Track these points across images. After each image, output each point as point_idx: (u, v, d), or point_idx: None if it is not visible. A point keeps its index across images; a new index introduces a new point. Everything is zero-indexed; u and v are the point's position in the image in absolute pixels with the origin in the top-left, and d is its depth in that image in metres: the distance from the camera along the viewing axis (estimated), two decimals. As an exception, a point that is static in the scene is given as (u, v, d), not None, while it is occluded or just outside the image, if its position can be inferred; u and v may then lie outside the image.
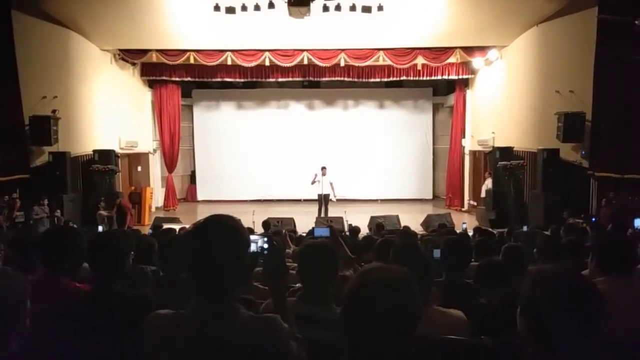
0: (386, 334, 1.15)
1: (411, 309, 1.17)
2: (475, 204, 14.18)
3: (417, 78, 14.09)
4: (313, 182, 12.46)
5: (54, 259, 2.33)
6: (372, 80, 14.37)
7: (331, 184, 12.46)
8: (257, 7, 9.35)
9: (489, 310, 2.38)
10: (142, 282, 3.01)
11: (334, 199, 12.59)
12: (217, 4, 9.43)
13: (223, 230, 1.41)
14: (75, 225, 9.05)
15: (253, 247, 1.63)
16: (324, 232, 4.72)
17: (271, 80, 14.45)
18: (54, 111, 9.94)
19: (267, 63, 13.16)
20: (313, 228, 7.05)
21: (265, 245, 1.72)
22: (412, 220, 11.36)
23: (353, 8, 9.43)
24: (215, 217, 1.46)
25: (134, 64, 13.81)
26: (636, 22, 7.25)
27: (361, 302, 1.18)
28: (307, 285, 2.12)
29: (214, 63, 13.10)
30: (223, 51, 12.84)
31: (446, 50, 12.89)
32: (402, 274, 1.22)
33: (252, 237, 1.58)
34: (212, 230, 1.42)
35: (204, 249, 1.38)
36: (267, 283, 1.67)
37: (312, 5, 9.28)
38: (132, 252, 2.36)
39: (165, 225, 8.16)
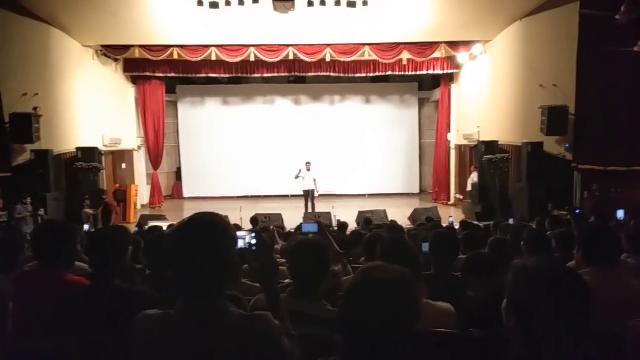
0: (384, 331, 1.15)
1: (410, 308, 1.18)
2: (461, 197, 14.30)
3: (402, 73, 14.13)
4: (297, 177, 12.49)
5: (47, 251, 2.31)
6: (358, 75, 14.37)
7: (314, 180, 12.47)
8: (241, 2, 9.25)
9: (477, 302, 2.40)
10: (135, 278, 2.98)
11: (316, 194, 12.60)
12: (200, -1, 9.32)
13: (209, 227, 1.40)
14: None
15: (241, 244, 1.61)
16: (312, 227, 4.70)
17: (257, 75, 14.34)
18: (35, 108, 9.75)
19: (253, 58, 13.07)
20: (301, 224, 7.03)
21: (253, 242, 1.71)
22: (400, 214, 11.41)
23: (338, 3, 9.39)
24: (201, 215, 1.44)
25: (116, 60, 13.61)
26: (617, 16, 7.34)
27: (361, 298, 1.18)
28: (298, 282, 2.11)
29: (199, 59, 12.96)
30: (207, 46, 12.72)
31: (431, 45, 12.94)
32: (403, 273, 1.23)
33: (239, 233, 1.56)
34: (197, 228, 1.40)
35: (190, 247, 1.36)
36: (259, 280, 1.65)
37: (296, 0, 9.23)
38: (130, 248, 2.35)
39: (152, 223, 8.08)
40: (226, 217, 1.53)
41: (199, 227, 1.40)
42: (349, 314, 1.19)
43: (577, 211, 8.33)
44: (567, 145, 9.84)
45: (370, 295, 1.17)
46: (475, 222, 8.97)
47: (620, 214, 6.04)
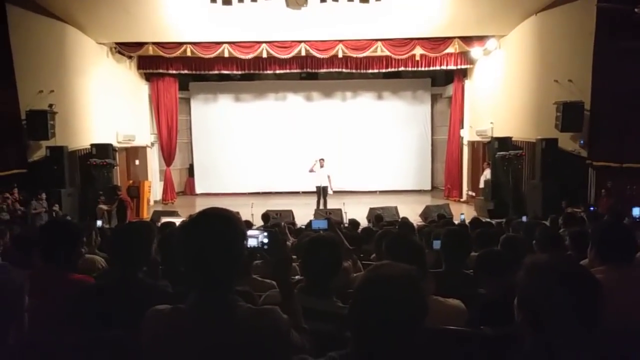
0: (392, 327, 1.16)
1: (417, 305, 1.19)
2: (473, 194, 14.20)
3: (415, 69, 14.05)
4: (310, 170, 12.48)
5: (49, 251, 2.34)
6: (370, 71, 14.31)
7: (329, 176, 12.46)
8: (253, -2, 9.27)
9: (488, 300, 2.39)
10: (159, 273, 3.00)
11: (330, 192, 12.59)
12: (213, -4, 9.33)
13: (219, 222, 1.41)
14: (70, 219, 9.06)
15: (254, 242, 1.61)
16: (322, 224, 4.71)
17: (269, 72, 14.37)
18: (50, 105, 9.89)
19: (265, 55, 13.08)
20: (311, 220, 7.04)
21: (266, 240, 1.71)
22: (411, 211, 11.37)
23: (351, -2, 9.36)
24: (211, 209, 1.45)
25: (130, 57, 13.73)
26: (636, 10, 7.20)
27: (369, 296, 1.20)
28: (310, 278, 2.12)
29: (211, 55, 13.01)
30: (220, 43, 12.76)
31: (444, 41, 12.82)
32: (410, 271, 1.23)
33: (252, 231, 1.57)
34: (208, 222, 1.41)
35: (200, 241, 1.37)
36: (274, 275, 1.66)
37: (309, -4, 9.21)
38: (155, 243, 2.38)
39: (164, 219, 8.14)
40: (237, 213, 1.54)
41: (209, 221, 1.41)
42: (358, 311, 1.21)
43: (591, 208, 8.22)
44: (581, 142, 9.71)
45: (377, 292, 1.18)
46: (486, 220, 8.89)
47: (636, 211, 5.94)
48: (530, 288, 1.25)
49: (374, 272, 1.24)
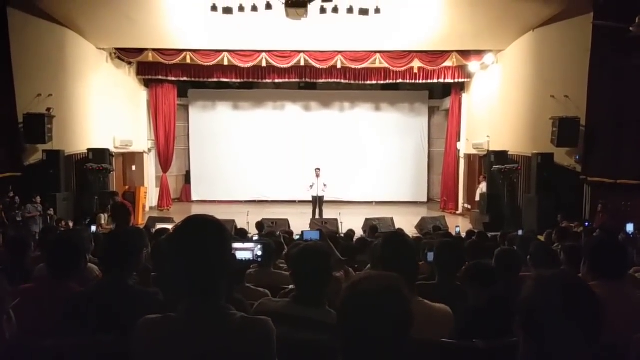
0: (379, 341, 1.16)
1: (401, 315, 1.18)
2: (469, 207, 14.22)
3: (413, 81, 14.14)
4: (311, 187, 12.42)
5: (60, 266, 2.36)
6: (369, 82, 14.39)
7: (325, 185, 12.44)
8: (254, 8, 9.33)
9: (475, 311, 2.39)
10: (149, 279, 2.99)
11: (324, 189, 12.47)
12: (214, 4, 9.39)
13: (206, 228, 1.40)
14: (70, 223, 9.01)
15: (249, 255, 1.59)
16: (314, 235, 4.71)
17: (268, 81, 14.45)
18: (48, 109, 9.89)
19: (264, 64, 13.15)
20: (303, 231, 7.03)
21: (259, 253, 1.69)
22: (407, 222, 11.37)
23: (350, 10, 9.43)
24: (196, 216, 1.46)
25: (130, 63, 13.77)
26: (631, 28, 7.30)
27: (353, 312, 1.19)
28: (301, 287, 2.12)
29: (211, 63, 13.08)
30: (219, 51, 12.82)
31: (442, 54, 12.92)
32: (392, 281, 1.22)
33: (247, 245, 1.56)
34: (193, 228, 1.41)
35: (187, 248, 1.37)
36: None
37: (309, 6, 9.28)
38: (146, 250, 2.37)
39: (159, 225, 8.12)
40: (233, 221, 1.54)
41: (195, 227, 1.41)
42: (343, 326, 1.21)
43: (586, 224, 8.25)
44: (577, 157, 9.77)
45: (359, 307, 1.18)
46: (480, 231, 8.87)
47: (630, 227, 5.98)
48: (535, 300, 1.24)
49: (353, 289, 1.23)
